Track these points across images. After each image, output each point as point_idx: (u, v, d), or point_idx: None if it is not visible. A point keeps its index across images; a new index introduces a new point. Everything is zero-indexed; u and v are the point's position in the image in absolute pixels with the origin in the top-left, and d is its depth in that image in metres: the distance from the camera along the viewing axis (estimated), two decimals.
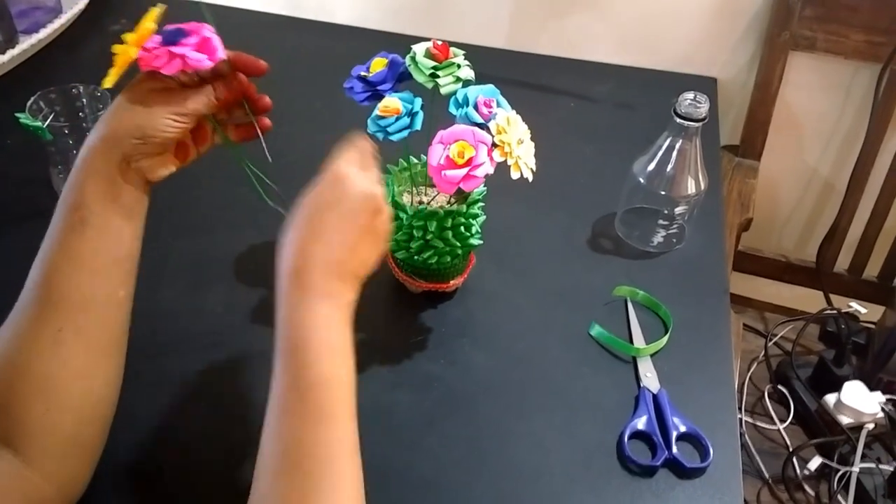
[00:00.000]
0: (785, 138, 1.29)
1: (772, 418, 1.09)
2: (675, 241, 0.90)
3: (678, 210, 0.86)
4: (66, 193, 0.56)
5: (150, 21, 0.57)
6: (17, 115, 0.80)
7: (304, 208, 0.54)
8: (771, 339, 1.20)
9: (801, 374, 1.12)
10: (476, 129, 0.64)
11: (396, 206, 0.73)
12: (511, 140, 0.65)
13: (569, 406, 0.72)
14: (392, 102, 0.67)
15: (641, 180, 0.86)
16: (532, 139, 0.68)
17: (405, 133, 0.67)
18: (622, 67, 1.27)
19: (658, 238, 0.89)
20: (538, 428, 0.70)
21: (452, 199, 0.74)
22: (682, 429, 0.70)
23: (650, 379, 0.74)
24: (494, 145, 0.64)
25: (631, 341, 0.78)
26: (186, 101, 0.57)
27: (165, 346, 0.76)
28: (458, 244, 0.74)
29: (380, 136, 0.67)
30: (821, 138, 1.29)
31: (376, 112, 0.68)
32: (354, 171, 0.55)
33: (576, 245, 0.90)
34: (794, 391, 1.11)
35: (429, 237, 0.72)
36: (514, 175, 0.65)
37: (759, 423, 1.09)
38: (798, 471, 1.01)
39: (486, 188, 0.75)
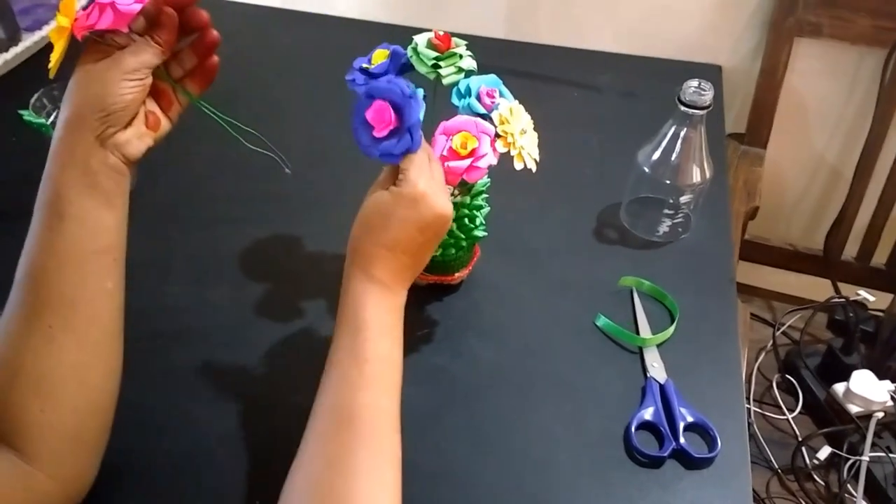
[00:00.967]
0: (791, 125, 1.28)
1: (780, 408, 1.09)
2: (680, 230, 0.89)
3: (683, 199, 0.86)
4: (42, 188, 0.55)
5: None
6: (21, 112, 0.81)
7: (381, 215, 0.57)
8: (779, 329, 1.20)
9: (810, 363, 1.12)
10: (479, 119, 0.64)
11: None
12: (514, 130, 0.64)
13: (575, 397, 0.72)
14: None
15: (646, 170, 0.85)
16: (535, 129, 0.68)
17: None
18: (626, 56, 1.26)
19: (664, 228, 0.88)
20: (545, 419, 0.70)
21: (456, 191, 0.73)
22: (690, 419, 0.69)
23: (657, 369, 0.74)
24: (497, 136, 0.64)
25: (637, 332, 0.78)
26: (133, 57, 0.54)
27: (171, 340, 0.76)
28: (463, 236, 0.74)
29: None
30: (827, 125, 1.28)
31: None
32: (432, 191, 0.57)
33: (581, 236, 0.90)
34: (802, 380, 1.10)
35: None
36: (518, 166, 0.65)
37: (767, 413, 1.08)
38: (807, 460, 1.01)
39: (489, 180, 0.74)
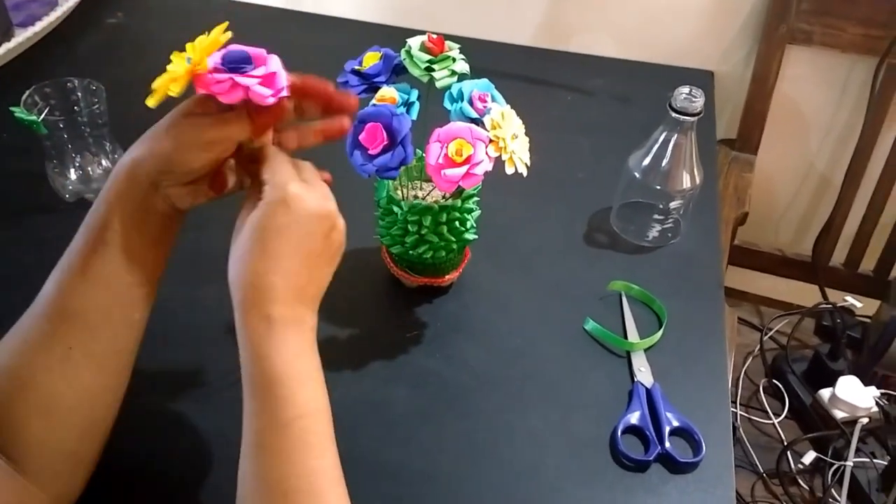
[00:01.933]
0: (782, 132, 1.29)
1: (767, 412, 1.10)
2: (670, 235, 0.90)
3: (673, 205, 0.86)
4: (93, 210, 0.54)
5: (218, 36, 0.53)
6: (12, 109, 0.80)
7: (254, 234, 0.50)
8: (766, 333, 1.20)
9: (796, 368, 1.13)
10: (473, 126, 0.64)
11: (391, 200, 0.73)
12: (505, 135, 0.64)
13: (563, 400, 0.73)
14: (388, 92, 0.67)
15: (637, 175, 0.86)
16: (528, 133, 0.68)
17: None
18: (619, 61, 1.27)
19: (653, 232, 0.89)
20: (532, 422, 0.70)
21: (447, 195, 0.74)
22: (675, 423, 0.70)
23: (644, 373, 0.75)
24: (489, 140, 0.64)
25: (625, 336, 0.79)
26: (216, 130, 0.53)
27: (161, 340, 0.75)
28: (453, 239, 0.74)
29: None
30: (817, 132, 1.29)
31: (372, 103, 0.68)
32: (303, 191, 0.51)
33: (571, 239, 0.91)
34: (788, 385, 1.11)
35: (423, 232, 0.72)
36: (509, 170, 0.65)
37: (754, 417, 1.09)
38: (792, 465, 1.02)
39: (480, 183, 0.75)
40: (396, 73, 0.70)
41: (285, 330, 0.49)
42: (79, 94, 0.88)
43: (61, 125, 0.84)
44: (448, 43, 0.69)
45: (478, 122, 0.65)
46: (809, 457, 1.01)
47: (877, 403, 1.01)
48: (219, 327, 0.77)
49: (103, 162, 0.89)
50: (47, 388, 0.52)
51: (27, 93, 0.84)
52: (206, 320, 0.78)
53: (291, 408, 0.48)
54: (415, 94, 0.68)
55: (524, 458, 0.67)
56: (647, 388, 0.73)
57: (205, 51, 0.52)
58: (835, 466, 0.99)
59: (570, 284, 0.84)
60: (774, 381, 1.13)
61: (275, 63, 0.53)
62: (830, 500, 0.98)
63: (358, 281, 0.83)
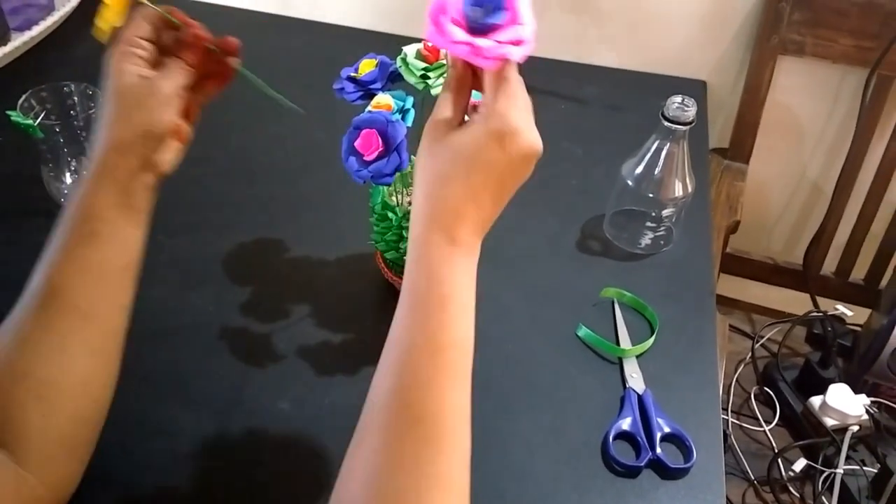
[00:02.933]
0: (773, 142, 1.30)
1: (758, 420, 1.10)
2: (662, 243, 0.90)
3: (665, 212, 0.87)
4: (77, 202, 0.56)
5: None
6: (9, 112, 0.80)
7: (463, 161, 0.48)
8: (758, 341, 1.21)
9: (787, 375, 1.13)
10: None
11: (386, 206, 0.73)
12: None
13: (555, 406, 0.73)
14: (384, 99, 0.68)
15: (630, 183, 0.87)
16: None
17: None
18: (613, 70, 1.28)
19: (646, 240, 0.90)
20: (524, 428, 0.71)
21: None
22: (667, 429, 0.70)
23: (636, 380, 0.75)
24: None
25: (617, 342, 0.79)
26: (169, 82, 0.57)
27: (154, 342, 0.76)
28: None
29: None
30: (809, 142, 1.30)
31: (368, 110, 0.68)
32: (520, 127, 0.48)
33: (564, 246, 0.91)
34: (779, 393, 1.12)
35: None
36: None
37: (745, 425, 1.10)
38: (783, 472, 1.02)
39: None
40: (392, 80, 0.70)
41: (465, 258, 0.49)
42: (75, 98, 0.88)
43: (57, 129, 0.84)
44: (443, 51, 0.70)
45: None
46: (800, 464, 1.01)
47: (867, 411, 1.02)
48: (210, 330, 0.78)
49: None
50: (43, 377, 0.53)
51: (24, 97, 0.84)
52: (197, 323, 0.78)
53: (449, 334, 0.47)
54: (410, 101, 0.68)
55: (516, 464, 0.68)
56: (638, 395, 0.74)
57: None
58: (825, 474, 0.99)
59: (562, 291, 0.85)
60: (765, 388, 1.13)
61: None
62: None
63: (352, 286, 0.84)
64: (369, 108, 0.68)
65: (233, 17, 1.33)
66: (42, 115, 0.84)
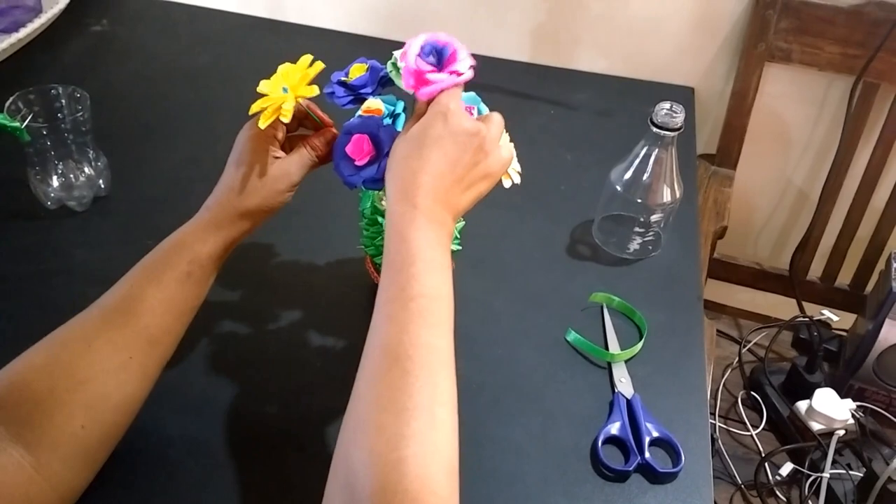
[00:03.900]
0: (760, 148, 1.31)
1: (745, 424, 1.11)
2: (650, 248, 0.91)
3: (654, 218, 0.87)
4: (180, 239, 0.61)
5: (307, 69, 0.66)
6: None
7: (414, 140, 0.57)
8: (745, 346, 1.22)
9: (774, 380, 1.14)
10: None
11: (376, 211, 0.73)
12: None
13: (544, 411, 0.73)
14: (374, 104, 0.68)
15: (618, 188, 0.87)
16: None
17: None
18: (601, 76, 1.28)
19: (634, 245, 0.90)
20: (513, 432, 0.71)
21: None
22: (655, 434, 0.71)
23: (624, 384, 0.75)
24: None
25: (606, 347, 0.79)
26: (299, 169, 0.65)
27: None
28: None
29: None
30: (795, 148, 1.31)
31: (359, 114, 0.68)
32: (461, 111, 0.58)
33: (553, 251, 0.91)
34: (766, 397, 1.12)
35: None
36: (507, 184, 0.66)
37: (732, 429, 1.10)
38: (770, 476, 1.03)
39: None
40: (382, 84, 0.70)
41: (427, 222, 0.55)
42: (63, 101, 0.88)
43: (44, 132, 0.84)
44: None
45: None
46: (787, 468, 1.01)
47: (853, 416, 1.02)
48: (201, 334, 0.77)
49: (86, 169, 0.89)
50: (99, 391, 0.55)
51: (11, 99, 0.83)
52: (196, 318, 0.78)
53: (417, 285, 0.52)
54: (401, 105, 0.68)
55: (505, 468, 0.68)
56: (627, 399, 0.74)
57: (302, 79, 0.65)
58: (812, 478, 1.00)
59: (551, 296, 0.85)
60: (752, 393, 1.14)
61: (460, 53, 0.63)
62: None
63: (342, 290, 0.84)
64: (360, 112, 0.68)
65: (225, 20, 1.32)
66: (29, 117, 0.84)
